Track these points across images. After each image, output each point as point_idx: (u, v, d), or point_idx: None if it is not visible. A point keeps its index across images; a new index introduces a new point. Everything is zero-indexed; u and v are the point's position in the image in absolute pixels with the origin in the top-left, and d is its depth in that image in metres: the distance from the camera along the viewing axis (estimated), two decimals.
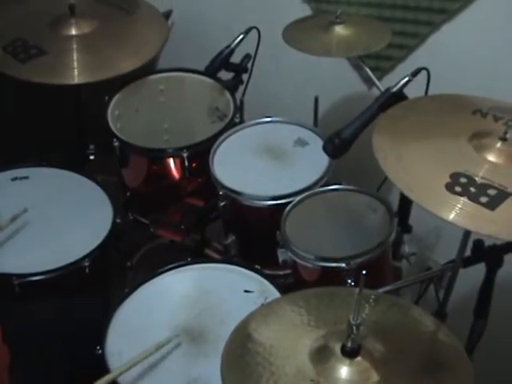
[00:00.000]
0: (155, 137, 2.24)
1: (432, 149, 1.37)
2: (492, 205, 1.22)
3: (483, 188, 1.24)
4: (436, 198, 1.25)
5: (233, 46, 2.03)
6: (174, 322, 1.55)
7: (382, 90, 1.64)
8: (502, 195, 1.23)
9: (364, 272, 1.11)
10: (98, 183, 1.97)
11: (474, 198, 1.23)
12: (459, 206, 1.22)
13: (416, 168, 1.33)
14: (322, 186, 1.81)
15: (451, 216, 1.21)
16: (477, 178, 1.26)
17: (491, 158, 1.31)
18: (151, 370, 1.45)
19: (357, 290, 1.11)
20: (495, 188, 1.24)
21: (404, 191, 1.28)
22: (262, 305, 1.50)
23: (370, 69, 1.91)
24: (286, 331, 1.23)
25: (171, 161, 2.00)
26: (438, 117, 1.48)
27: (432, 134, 1.41)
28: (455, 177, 1.27)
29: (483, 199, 1.23)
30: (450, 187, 1.25)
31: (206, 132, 2.02)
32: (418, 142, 1.39)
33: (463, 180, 1.26)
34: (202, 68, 2.11)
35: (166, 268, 1.68)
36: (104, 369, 1.43)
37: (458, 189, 1.24)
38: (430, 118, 1.48)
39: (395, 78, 1.62)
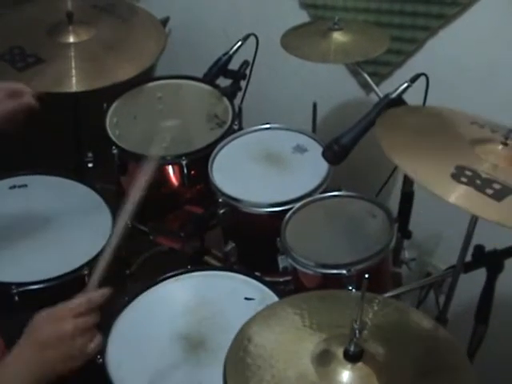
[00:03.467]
0: None
1: (435, 148, 1.35)
2: (498, 196, 1.19)
3: (488, 182, 1.21)
4: (441, 183, 1.22)
5: (231, 52, 2.04)
6: (174, 330, 1.54)
7: (381, 95, 1.64)
8: (507, 190, 1.20)
9: (367, 276, 1.10)
10: (96, 191, 1.96)
11: (480, 189, 1.19)
12: (465, 192, 1.19)
13: (421, 157, 1.30)
14: (321, 193, 1.81)
15: (456, 199, 1.18)
16: (482, 174, 1.23)
17: (494, 161, 1.29)
18: (152, 378, 1.44)
19: (359, 293, 1.11)
20: (500, 183, 1.21)
21: (409, 174, 1.26)
22: None
23: (368, 74, 1.91)
24: (288, 334, 1.22)
25: (170, 168, 2.00)
26: (438, 121, 1.48)
27: (434, 135, 1.40)
28: (460, 169, 1.24)
29: (489, 191, 1.19)
30: (455, 177, 1.22)
31: (205, 139, 2.01)
32: (420, 139, 1.38)
33: (468, 173, 1.23)
34: (199, 75, 2.11)
35: (165, 276, 1.67)
36: (105, 378, 1.43)
37: (463, 179, 1.21)
38: (430, 122, 1.48)
39: (393, 84, 1.62)
